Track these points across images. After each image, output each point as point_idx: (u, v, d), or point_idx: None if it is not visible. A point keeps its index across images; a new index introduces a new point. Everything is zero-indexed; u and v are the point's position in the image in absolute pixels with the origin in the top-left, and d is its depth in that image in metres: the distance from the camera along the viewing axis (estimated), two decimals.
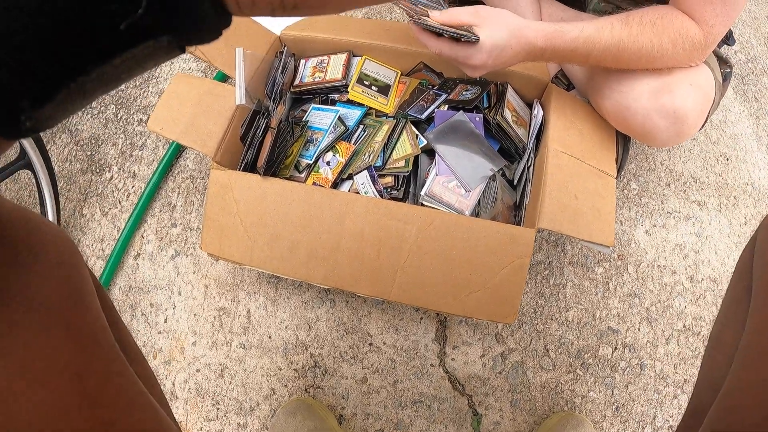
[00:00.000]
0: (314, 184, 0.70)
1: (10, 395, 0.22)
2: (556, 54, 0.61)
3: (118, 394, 0.27)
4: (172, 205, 0.89)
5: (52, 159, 0.85)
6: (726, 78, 0.74)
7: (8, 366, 0.23)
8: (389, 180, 0.69)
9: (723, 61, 0.73)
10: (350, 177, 0.70)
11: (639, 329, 0.78)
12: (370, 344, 0.75)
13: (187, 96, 0.72)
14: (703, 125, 0.71)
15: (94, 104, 1.02)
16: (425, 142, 0.70)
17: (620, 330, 0.78)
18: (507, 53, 0.58)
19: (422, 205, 0.68)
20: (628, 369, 0.76)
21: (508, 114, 0.69)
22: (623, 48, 0.60)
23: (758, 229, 0.33)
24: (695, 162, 0.92)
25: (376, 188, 0.68)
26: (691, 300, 0.81)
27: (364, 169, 0.68)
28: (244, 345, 0.77)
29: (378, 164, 0.69)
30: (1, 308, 0.23)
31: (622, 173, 0.88)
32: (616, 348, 0.77)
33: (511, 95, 0.72)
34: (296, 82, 0.79)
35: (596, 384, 0.75)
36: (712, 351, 0.38)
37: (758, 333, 0.29)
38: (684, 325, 0.79)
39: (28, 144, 0.78)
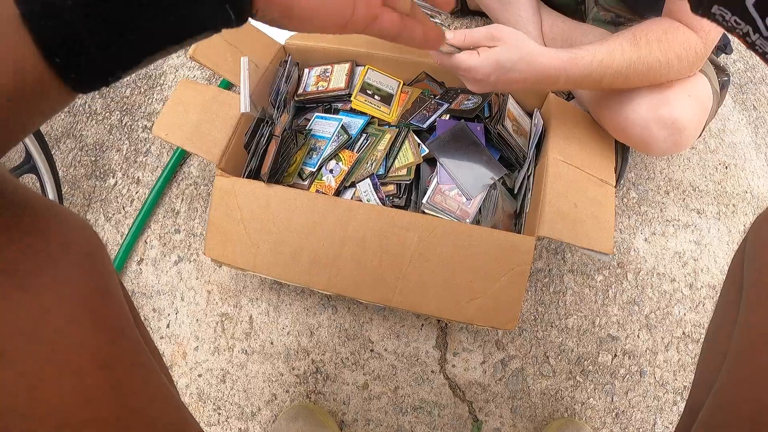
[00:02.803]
0: (317, 191, 0.71)
1: (41, 381, 0.23)
2: (569, 81, 0.60)
3: (143, 384, 0.28)
4: (176, 211, 0.89)
5: (56, 164, 0.86)
6: (723, 86, 0.75)
7: (40, 352, 0.23)
8: (391, 188, 0.70)
9: (720, 70, 0.74)
10: (353, 185, 0.71)
11: (638, 336, 0.79)
12: (372, 350, 0.76)
13: (192, 103, 0.73)
14: (701, 134, 0.72)
15: (99, 110, 1.03)
16: (427, 150, 0.71)
17: (620, 337, 0.79)
18: (513, 75, 0.57)
19: (423, 212, 0.69)
20: (627, 376, 0.76)
21: (508, 123, 0.70)
22: (633, 69, 0.60)
23: (748, 232, 0.34)
24: (694, 170, 0.93)
25: (378, 196, 0.69)
26: (690, 307, 0.81)
27: (367, 177, 0.69)
28: (246, 350, 0.78)
29: (380, 172, 0.70)
30: (34, 296, 0.24)
31: (622, 182, 0.89)
32: (615, 355, 0.78)
33: (511, 105, 0.73)
34: (300, 90, 0.80)
35: (596, 391, 0.75)
36: (706, 352, 0.39)
37: (747, 332, 0.29)
38: (683, 332, 0.80)
39: (33, 148, 0.79)
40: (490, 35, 0.57)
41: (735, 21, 0.23)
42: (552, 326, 0.78)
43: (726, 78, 0.75)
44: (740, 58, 1.08)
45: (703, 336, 0.78)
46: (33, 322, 0.23)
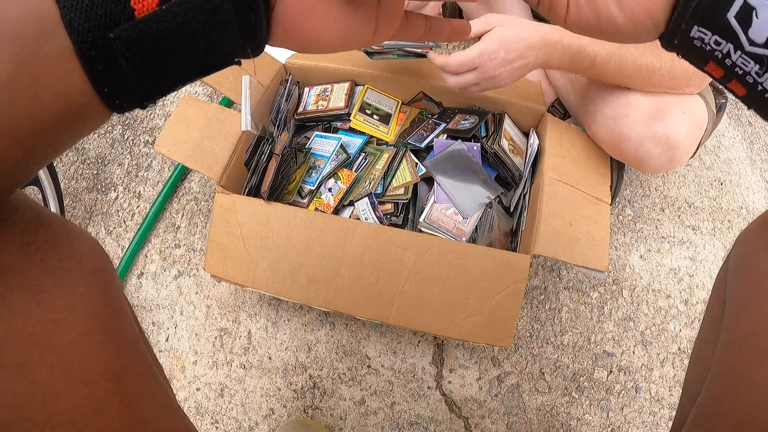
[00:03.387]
0: (316, 209, 0.72)
1: (54, 391, 0.24)
2: (565, 52, 0.62)
3: (152, 396, 0.29)
4: (176, 226, 0.90)
5: (59, 176, 0.87)
6: (721, 108, 0.76)
7: (54, 364, 0.24)
8: (389, 207, 0.71)
9: (718, 92, 0.75)
10: (351, 203, 0.72)
11: (634, 352, 0.80)
12: (369, 366, 0.77)
13: (194, 120, 0.74)
14: (695, 153, 0.73)
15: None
16: (424, 170, 0.72)
17: (615, 353, 0.79)
18: (521, 44, 0.60)
19: (420, 231, 0.70)
20: (623, 392, 0.77)
21: (504, 143, 0.71)
22: (625, 52, 0.61)
23: (732, 247, 0.35)
24: (689, 187, 0.94)
25: (376, 215, 0.70)
26: (686, 323, 0.82)
27: (365, 196, 0.70)
28: (244, 365, 0.78)
29: (378, 191, 0.71)
30: (49, 310, 0.25)
31: (617, 199, 0.90)
32: (611, 371, 0.78)
33: (508, 125, 0.75)
34: (300, 109, 0.82)
35: (592, 407, 0.76)
36: (692, 366, 0.40)
37: (728, 347, 0.30)
38: (679, 348, 0.80)
39: None
40: (486, 22, 0.60)
41: (715, 41, 0.22)
42: (548, 343, 0.79)
43: (723, 101, 0.76)
44: None
45: None
46: (48, 335, 0.24)
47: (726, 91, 0.73)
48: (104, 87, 0.21)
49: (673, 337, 0.81)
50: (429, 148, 0.74)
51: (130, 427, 0.26)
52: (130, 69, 0.21)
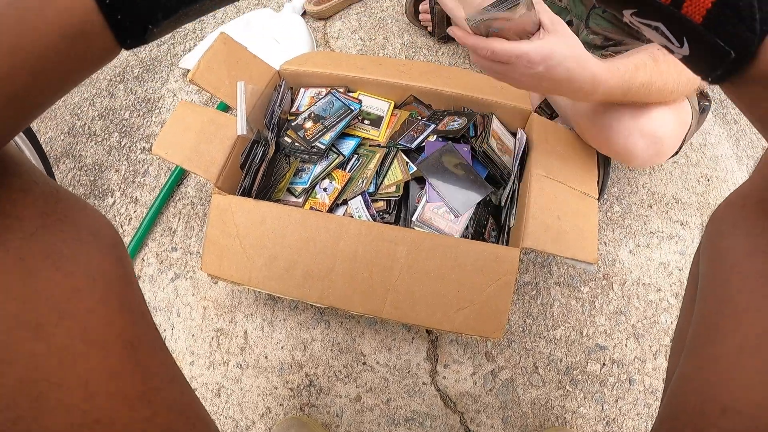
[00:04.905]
0: (311, 208, 0.74)
1: (70, 354, 0.25)
2: (605, 92, 0.59)
3: (163, 366, 0.30)
4: (173, 229, 0.92)
5: (57, 182, 0.88)
6: (704, 110, 0.78)
7: (71, 327, 0.25)
8: (381, 204, 0.72)
9: (702, 95, 0.78)
10: (345, 202, 0.73)
11: (626, 345, 0.81)
12: (364, 363, 0.77)
13: (191, 123, 0.76)
14: (680, 148, 0.75)
15: (98, 131, 1.07)
16: (415, 168, 0.74)
17: (608, 346, 0.80)
18: (559, 71, 0.54)
19: (412, 228, 0.72)
20: (617, 384, 0.78)
21: (493, 142, 0.73)
22: (654, 84, 0.61)
23: (705, 226, 0.35)
24: (677, 183, 0.96)
25: (369, 212, 0.71)
26: (677, 316, 0.83)
27: (359, 195, 0.72)
28: (240, 365, 0.79)
29: (371, 190, 0.72)
30: (68, 277, 0.26)
31: (605, 196, 0.92)
32: (604, 364, 0.79)
33: (496, 125, 0.77)
34: (293, 109, 0.84)
35: (586, 399, 0.76)
36: (672, 351, 0.40)
37: (697, 323, 0.30)
38: (670, 340, 0.81)
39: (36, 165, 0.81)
40: (553, 21, 0.54)
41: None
42: (540, 337, 0.80)
43: (707, 104, 0.78)
44: None
45: None
46: (67, 300, 0.25)
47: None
48: (111, 6, 0.21)
49: (665, 330, 0.82)
50: (420, 148, 0.76)
51: (142, 393, 0.27)
52: None
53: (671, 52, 0.25)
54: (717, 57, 0.22)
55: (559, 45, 0.53)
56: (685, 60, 0.25)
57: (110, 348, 0.26)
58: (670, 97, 0.65)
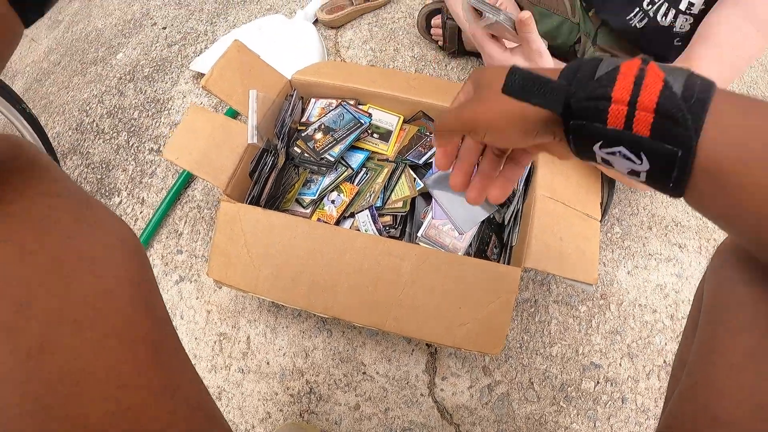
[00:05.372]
0: (319, 219, 0.75)
1: (103, 348, 0.27)
2: None
3: (183, 366, 0.32)
4: (179, 232, 0.93)
5: None
6: None
7: (105, 325, 0.27)
8: (388, 219, 0.74)
9: None
10: (352, 215, 0.75)
11: (621, 364, 0.82)
12: (364, 373, 0.79)
13: (202, 129, 0.77)
14: None
15: (106, 129, 1.07)
16: (422, 185, 0.75)
17: (602, 365, 0.82)
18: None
19: (417, 244, 0.73)
20: (610, 402, 0.79)
21: None
22: None
23: (713, 255, 0.38)
24: (677, 207, 0.98)
25: (376, 227, 0.73)
26: (671, 337, 0.85)
27: (366, 209, 0.73)
28: (242, 369, 0.80)
29: (378, 204, 0.74)
30: (100, 278, 0.28)
31: (606, 217, 0.94)
32: (598, 382, 0.81)
33: None
34: (303, 119, 0.85)
35: (579, 416, 0.78)
36: (673, 373, 0.42)
37: (697, 347, 0.33)
38: (664, 361, 0.83)
39: None
40: (539, 52, 0.61)
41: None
42: (537, 354, 0.82)
43: None
44: None
45: None
46: (99, 300, 0.28)
47: None
48: None
49: (659, 351, 0.84)
50: (427, 164, 0.77)
51: (165, 389, 0.29)
52: None
53: (637, 174, 0.29)
54: (669, 160, 0.26)
55: (516, 61, 0.61)
56: (648, 177, 0.29)
57: (137, 346, 0.29)
58: None
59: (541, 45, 0.60)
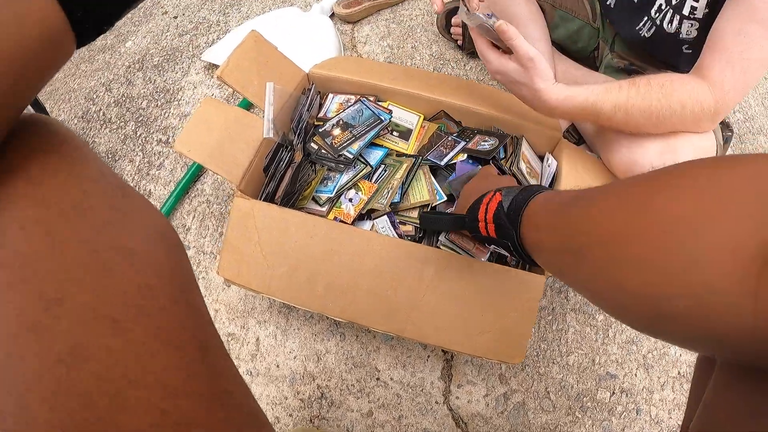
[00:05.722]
0: (335, 218, 0.72)
1: (147, 351, 0.24)
2: (566, 114, 0.66)
3: (231, 369, 0.29)
4: (187, 227, 0.90)
5: None
6: (727, 141, 0.79)
7: (147, 325, 0.24)
8: (409, 228, 0.72)
9: (725, 125, 0.78)
10: (370, 216, 0.72)
11: (636, 375, 0.81)
12: (378, 379, 0.77)
13: (215, 121, 0.74)
14: None
15: (113, 119, 1.04)
16: (444, 198, 0.73)
17: (618, 375, 0.80)
18: (512, 88, 0.67)
19: (439, 248, 0.71)
20: (624, 413, 0.78)
21: (523, 165, 0.73)
22: (631, 104, 0.63)
23: None
24: None
25: (397, 232, 0.71)
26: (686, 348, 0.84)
27: (384, 215, 0.71)
28: (251, 372, 0.78)
29: (396, 200, 0.71)
30: (140, 273, 0.26)
31: None
32: (613, 392, 0.79)
33: (525, 148, 0.76)
34: (321, 114, 0.82)
35: (594, 427, 0.76)
36: (690, 395, 0.42)
37: (714, 381, 0.31)
38: (679, 372, 0.82)
39: None
40: (529, 57, 0.61)
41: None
42: (554, 363, 0.80)
43: (730, 133, 0.79)
44: (740, 109, 1.13)
45: None
46: (141, 297, 0.25)
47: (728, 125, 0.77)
48: (74, 12, 0.24)
49: (674, 362, 0.83)
50: (449, 166, 0.75)
51: (217, 396, 0.26)
52: None
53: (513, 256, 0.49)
54: (511, 247, 0.45)
55: (514, 70, 0.63)
56: (512, 255, 0.49)
57: (185, 348, 0.26)
58: (664, 123, 0.65)
59: (529, 50, 0.61)
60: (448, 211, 0.73)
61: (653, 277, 0.26)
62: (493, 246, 0.51)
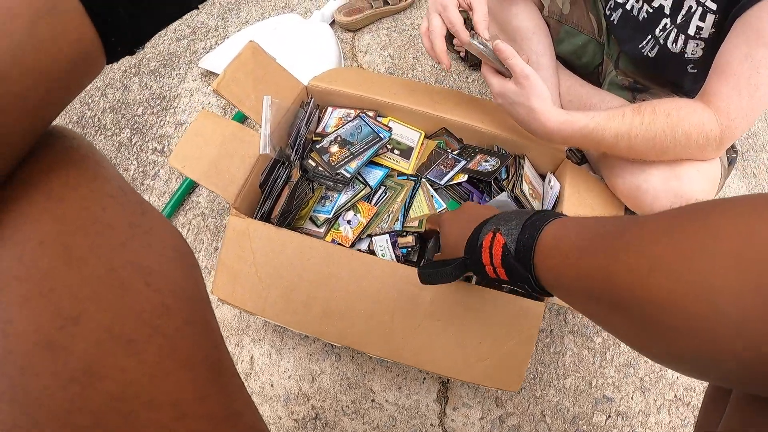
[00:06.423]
0: (333, 241, 0.71)
1: (161, 371, 0.24)
2: (566, 140, 0.65)
3: (241, 390, 0.29)
4: None
5: None
6: (731, 162, 0.77)
7: (162, 345, 0.24)
8: (410, 239, 0.70)
9: (730, 147, 0.77)
10: (369, 236, 0.71)
11: (632, 398, 0.80)
12: (373, 400, 0.76)
13: (211, 136, 0.73)
14: None
15: (108, 125, 1.02)
16: (443, 206, 0.72)
17: (614, 398, 0.80)
18: (512, 111, 0.66)
19: None
20: None
21: (525, 187, 0.72)
22: (635, 134, 0.62)
23: None
24: None
25: (395, 253, 0.69)
26: None
27: (386, 234, 0.70)
28: None
29: (397, 227, 0.70)
30: (156, 292, 0.25)
31: None
32: (609, 416, 0.79)
33: (527, 168, 0.75)
34: (319, 129, 0.81)
35: None
36: (704, 407, 0.42)
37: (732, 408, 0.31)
38: (675, 395, 0.81)
39: None
40: (524, 75, 0.62)
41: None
42: (550, 386, 0.79)
43: (734, 155, 0.78)
44: None
45: (693, 399, 0.80)
46: (157, 317, 0.25)
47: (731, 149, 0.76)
48: (108, 35, 0.25)
49: (671, 384, 0.82)
50: (448, 186, 0.74)
51: (228, 417, 0.26)
52: (128, 16, 0.26)
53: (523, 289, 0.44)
54: (526, 286, 0.42)
55: (511, 90, 0.64)
56: (528, 294, 0.49)
57: (198, 369, 0.26)
58: (668, 153, 0.64)
59: (525, 68, 0.62)
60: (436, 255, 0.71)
61: (705, 345, 0.25)
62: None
